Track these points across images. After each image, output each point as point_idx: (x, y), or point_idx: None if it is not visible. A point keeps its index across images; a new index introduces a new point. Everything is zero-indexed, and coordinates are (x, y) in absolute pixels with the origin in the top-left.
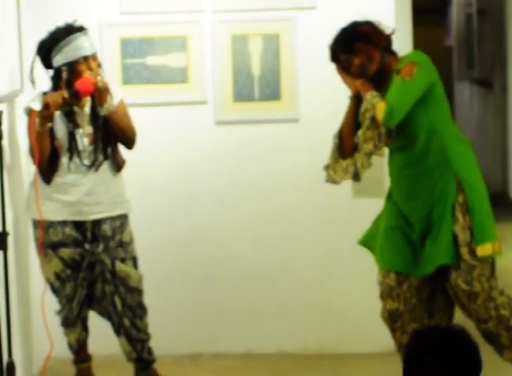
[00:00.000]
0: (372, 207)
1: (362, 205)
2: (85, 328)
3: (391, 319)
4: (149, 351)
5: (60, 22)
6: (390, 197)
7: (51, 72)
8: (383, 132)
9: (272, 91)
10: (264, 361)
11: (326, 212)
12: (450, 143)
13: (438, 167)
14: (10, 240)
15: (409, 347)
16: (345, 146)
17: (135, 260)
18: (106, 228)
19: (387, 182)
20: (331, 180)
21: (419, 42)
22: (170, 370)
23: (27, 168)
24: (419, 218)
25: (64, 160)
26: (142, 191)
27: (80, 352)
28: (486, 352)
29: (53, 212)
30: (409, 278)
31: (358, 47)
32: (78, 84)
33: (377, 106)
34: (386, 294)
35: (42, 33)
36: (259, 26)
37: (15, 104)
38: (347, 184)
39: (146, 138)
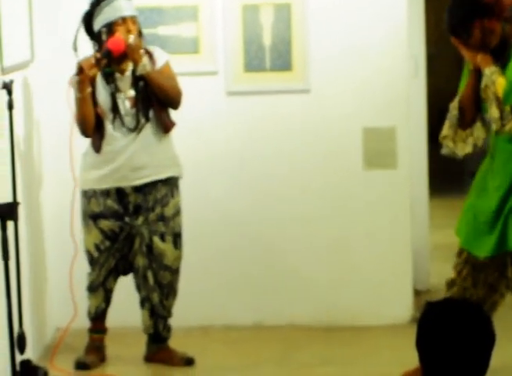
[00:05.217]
0: (383, 178)
1: (374, 177)
2: (107, 299)
3: (447, 285)
4: (168, 329)
5: None
6: (481, 170)
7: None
8: (505, 109)
9: (283, 61)
10: (274, 333)
11: (336, 183)
12: None
13: None
14: (22, 211)
15: (423, 319)
16: (466, 117)
17: (176, 236)
18: (150, 199)
19: (398, 154)
20: (450, 152)
21: (431, 8)
22: (181, 342)
23: (40, 138)
24: (496, 196)
25: (108, 125)
26: None
27: (97, 322)
28: (499, 325)
29: (97, 180)
30: (469, 254)
31: (478, 22)
32: (109, 44)
33: (497, 82)
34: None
35: (52, 4)
36: None
37: (27, 75)
38: (358, 156)
39: None
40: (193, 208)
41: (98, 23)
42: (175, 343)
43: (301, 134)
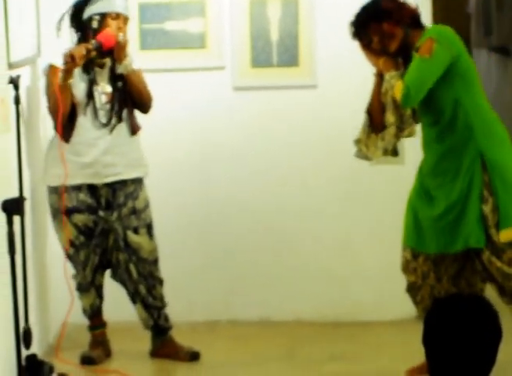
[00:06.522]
0: (390, 174)
1: (380, 173)
2: (99, 295)
3: (411, 292)
4: (166, 318)
5: None
6: (420, 171)
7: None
8: (405, 113)
9: (290, 56)
10: (280, 328)
11: (343, 178)
12: (476, 120)
13: (464, 143)
14: (27, 206)
15: (430, 314)
16: (375, 121)
17: (149, 227)
18: (120, 195)
19: (405, 150)
20: (363, 156)
21: (438, 8)
22: (186, 338)
23: (46, 134)
24: (443, 195)
25: (81, 117)
26: (158, 157)
27: (94, 318)
28: (506, 320)
29: (69, 176)
30: (424, 252)
31: (375, 25)
32: (101, 37)
33: (395, 86)
34: (404, 268)
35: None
36: None
37: (36, 69)
38: None
39: (164, 104)
40: (200, 202)
41: (90, 10)
42: (181, 338)
43: (308, 129)
